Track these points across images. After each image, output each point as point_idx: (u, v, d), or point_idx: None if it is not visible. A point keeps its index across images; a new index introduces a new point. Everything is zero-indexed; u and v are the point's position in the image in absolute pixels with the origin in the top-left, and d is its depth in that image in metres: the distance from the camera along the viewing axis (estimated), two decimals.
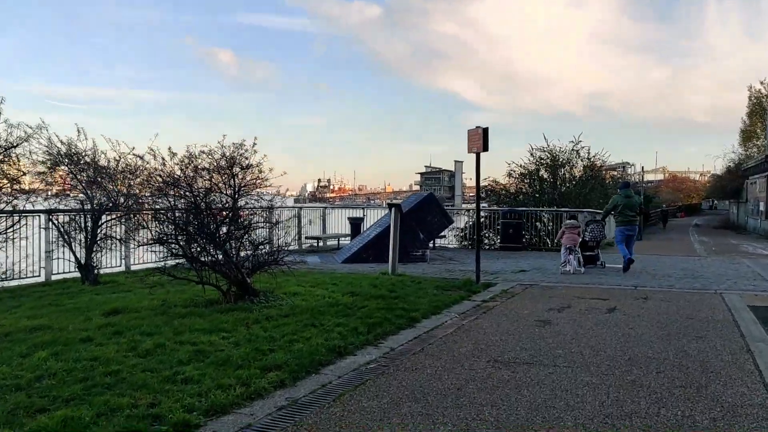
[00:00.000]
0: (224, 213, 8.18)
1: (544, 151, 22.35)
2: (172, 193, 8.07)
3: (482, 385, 4.94)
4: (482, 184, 25.68)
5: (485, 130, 10.84)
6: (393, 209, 11.86)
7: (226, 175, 8.23)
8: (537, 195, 22.19)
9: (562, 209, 19.67)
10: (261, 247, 8.70)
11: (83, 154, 10.92)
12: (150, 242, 8.61)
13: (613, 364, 5.59)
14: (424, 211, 15.53)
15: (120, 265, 12.72)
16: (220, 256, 8.21)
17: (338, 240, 19.12)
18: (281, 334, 6.39)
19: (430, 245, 19.24)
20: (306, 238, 18.71)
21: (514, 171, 22.56)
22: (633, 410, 4.36)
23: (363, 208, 21.67)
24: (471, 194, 24.86)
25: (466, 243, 20.62)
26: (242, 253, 8.57)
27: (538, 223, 20.54)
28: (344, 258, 15.19)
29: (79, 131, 10.86)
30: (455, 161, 29.84)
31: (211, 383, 4.74)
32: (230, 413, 4.28)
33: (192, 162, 8.08)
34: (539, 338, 6.66)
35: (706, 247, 25.08)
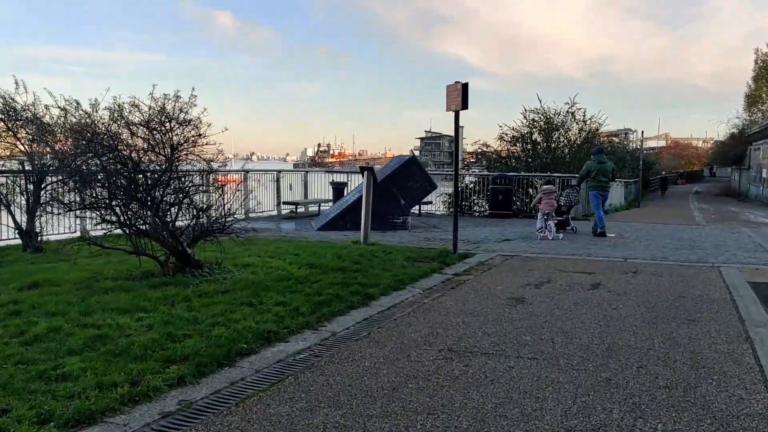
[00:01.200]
0: (157, 174, 7.23)
1: (538, 113, 21.27)
2: (99, 150, 7.11)
3: (425, 384, 4.09)
4: (473, 148, 24.94)
5: (465, 86, 9.84)
6: (366, 173, 10.91)
7: (159, 132, 7.26)
8: (529, 160, 21.19)
9: (555, 174, 18.70)
10: (204, 213, 7.77)
11: (24, 108, 9.94)
12: (79, 207, 7.68)
13: (588, 356, 4.73)
14: (405, 175, 14.58)
15: (76, 231, 11.86)
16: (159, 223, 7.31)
17: (319, 206, 18.21)
18: (208, 315, 5.53)
19: (415, 212, 18.39)
20: (284, 203, 17.79)
21: (506, 134, 21.51)
22: (602, 422, 3.51)
23: (347, 173, 20.69)
24: (473, 160, 23.83)
25: (452, 209, 19.69)
26: (185, 222, 7.67)
27: (530, 189, 19.59)
28: (320, 225, 14.31)
29: (17, 84, 9.87)
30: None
31: (92, 381, 3.88)
32: (98, 423, 3.42)
33: (120, 115, 7.11)
34: (507, 321, 5.80)
35: (705, 214, 24.19)
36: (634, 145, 52.59)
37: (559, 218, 13.67)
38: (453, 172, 10.70)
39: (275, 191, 18.13)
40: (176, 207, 7.45)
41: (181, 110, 7.31)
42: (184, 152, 7.46)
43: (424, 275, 8.10)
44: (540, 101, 21.29)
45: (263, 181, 18.03)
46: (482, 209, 19.77)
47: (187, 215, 7.65)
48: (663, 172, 56.86)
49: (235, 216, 8.10)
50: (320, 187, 20.26)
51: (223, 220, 7.79)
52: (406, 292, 7.12)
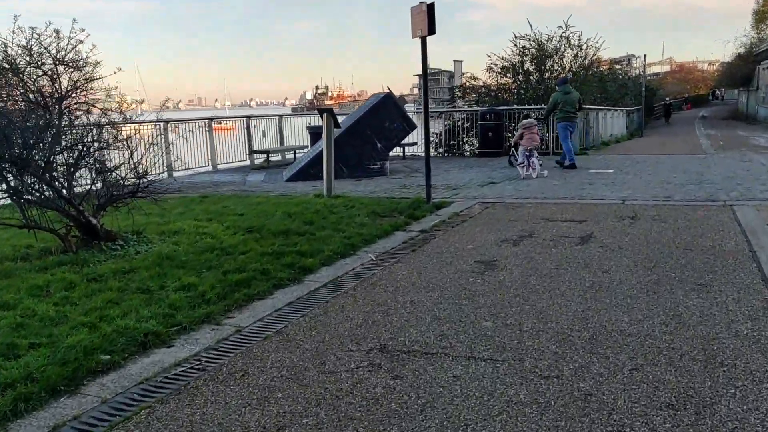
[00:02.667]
0: (40, 129, 5.89)
1: (529, 39, 19.51)
2: None
3: (328, 417, 2.89)
4: (445, 81, 23.12)
5: (430, 7, 8.35)
6: (324, 115, 9.52)
7: (42, 77, 5.89)
8: (521, 92, 19.60)
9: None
10: (110, 174, 6.48)
11: None
12: None
13: (564, 352, 3.52)
14: (380, 116, 13.16)
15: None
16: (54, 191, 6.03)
17: (294, 153, 16.86)
18: (83, 310, 4.32)
19: (398, 154, 17.04)
20: (255, 152, 16.43)
21: (495, 65, 19.82)
22: None
23: (281, 116, 19.18)
24: (459, 94, 22.20)
25: (441, 150, 18.31)
26: (88, 187, 6.40)
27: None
28: (289, 175, 13.00)
29: None
30: (454, 61, 28.96)
31: None
32: None
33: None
34: (467, 297, 4.57)
35: (712, 141, 22.68)
36: (637, 72, 50.44)
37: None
38: (430, 109, 9.31)
39: (246, 139, 16.77)
40: (73, 168, 6.15)
41: (65, 50, 5.91)
42: (75, 101, 6.10)
43: (384, 234, 6.85)
44: (531, 26, 19.56)
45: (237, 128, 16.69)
46: (474, 147, 18.37)
47: (91, 177, 6.37)
48: (667, 99, 54.76)
49: (147, 176, 6.75)
50: (298, 133, 18.85)
51: (137, 180, 6.49)
52: (355, 259, 5.89)
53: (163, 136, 12.52)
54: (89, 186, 6.28)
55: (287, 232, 6.80)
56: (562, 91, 13.65)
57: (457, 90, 21.96)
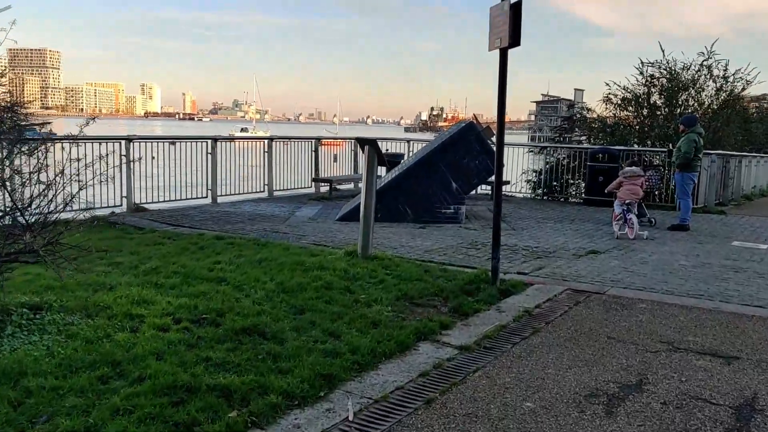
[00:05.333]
0: None
1: (659, 67, 16.22)
2: None
3: None
4: (563, 110, 20.04)
5: (515, 6, 5.79)
6: (367, 149, 7.14)
7: None
8: (645, 129, 16.31)
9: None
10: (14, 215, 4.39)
11: None
12: None
13: None
14: (457, 150, 10.62)
15: None
16: None
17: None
18: None
19: (485, 191, 14.37)
20: (314, 180, 14.30)
21: (615, 95, 16.62)
22: None
23: (408, 141, 16.83)
24: (566, 126, 19.19)
25: (540, 192, 15.41)
26: None
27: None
28: (342, 215, 10.74)
29: None
30: (575, 89, 26.82)
31: None
32: None
33: None
34: None
35: None
36: None
37: None
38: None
39: (313, 163, 14.71)
40: None
41: None
42: None
43: (399, 350, 4.31)
44: (663, 51, 16.22)
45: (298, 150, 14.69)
46: (580, 193, 15.35)
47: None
48: None
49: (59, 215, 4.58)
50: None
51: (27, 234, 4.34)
52: (318, 412, 3.41)
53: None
54: None
55: (254, 329, 4.44)
56: (697, 133, 10.66)
57: (564, 123, 18.89)
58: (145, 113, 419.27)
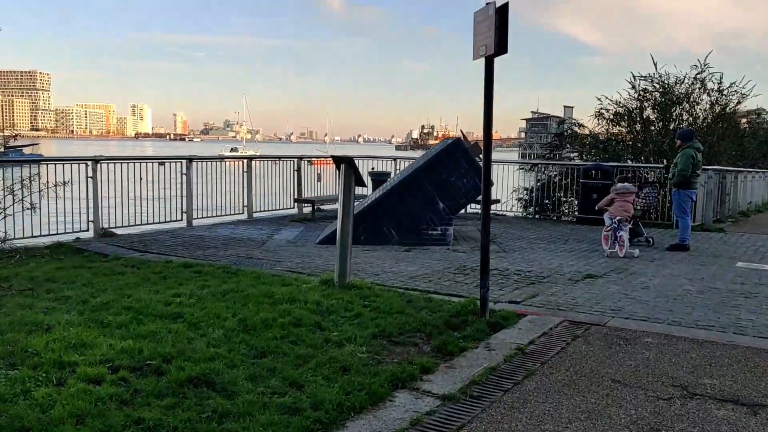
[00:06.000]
0: None
1: (652, 81, 15.78)
2: None
3: None
4: (553, 127, 19.66)
5: (501, 10, 5.25)
6: (343, 168, 6.56)
7: None
8: (639, 144, 15.84)
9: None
10: None
11: None
12: None
13: None
14: (445, 167, 10.08)
15: None
16: None
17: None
18: None
19: (476, 211, 13.81)
20: (296, 200, 13.69)
21: (607, 110, 16.16)
22: None
23: (395, 159, 16.27)
24: (557, 142, 18.69)
25: (532, 210, 14.87)
26: None
27: (636, 184, 14.37)
28: (322, 237, 10.13)
29: None
30: (565, 106, 26.66)
31: None
32: None
33: None
34: None
35: None
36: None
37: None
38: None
39: (296, 183, 14.10)
40: None
41: None
42: None
43: (367, 404, 3.68)
44: (655, 65, 15.77)
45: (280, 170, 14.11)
46: (573, 211, 14.81)
47: None
48: None
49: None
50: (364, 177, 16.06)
51: None
52: None
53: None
54: None
55: (202, 378, 3.81)
56: (694, 148, 10.12)
57: (555, 140, 18.38)
58: (135, 134, 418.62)
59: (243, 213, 12.92)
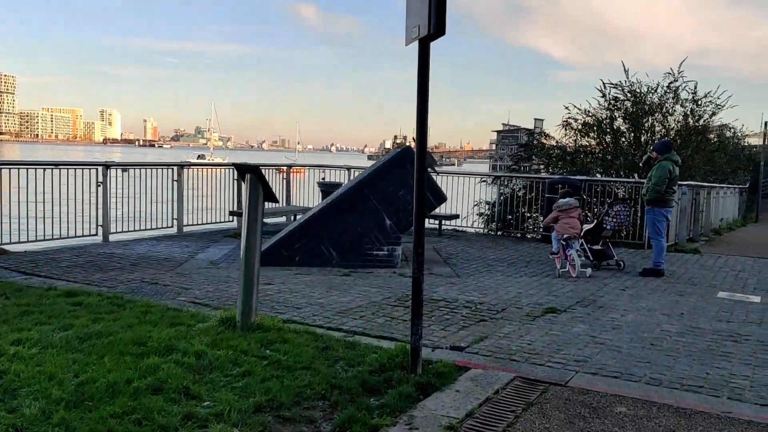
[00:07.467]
0: None
1: (623, 89, 14.80)
2: None
3: None
4: (523, 139, 18.65)
5: None
6: (248, 179, 5.31)
7: None
8: (608, 157, 14.84)
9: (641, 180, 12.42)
10: None
11: None
12: None
13: None
14: (392, 179, 8.88)
15: None
16: None
17: (294, 216, 12.69)
18: None
19: (433, 226, 12.60)
20: (231, 213, 12.36)
21: (575, 119, 15.15)
22: None
23: (349, 169, 15.02)
24: (523, 155, 17.66)
25: (493, 226, 13.73)
26: None
27: (607, 200, 13.36)
28: None
29: None
30: (535, 119, 27.74)
31: None
32: None
33: None
34: None
35: None
36: (734, 142, 43.66)
37: (597, 247, 9.28)
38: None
39: (236, 194, 12.77)
40: None
41: None
42: None
43: None
44: (626, 71, 14.81)
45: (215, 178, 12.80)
46: (537, 227, 13.72)
47: None
48: None
49: None
50: (310, 187, 14.83)
51: None
52: None
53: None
54: None
55: None
56: (672, 161, 9.08)
57: (521, 151, 17.32)
58: (104, 140, 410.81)
59: (173, 227, 11.55)
